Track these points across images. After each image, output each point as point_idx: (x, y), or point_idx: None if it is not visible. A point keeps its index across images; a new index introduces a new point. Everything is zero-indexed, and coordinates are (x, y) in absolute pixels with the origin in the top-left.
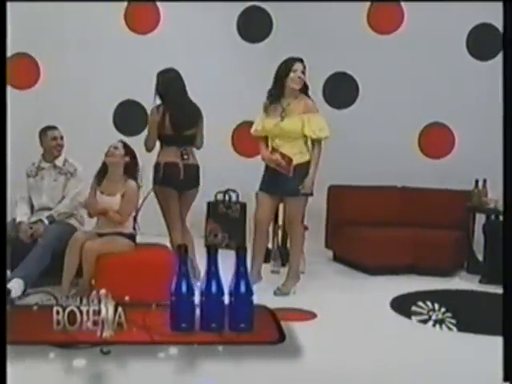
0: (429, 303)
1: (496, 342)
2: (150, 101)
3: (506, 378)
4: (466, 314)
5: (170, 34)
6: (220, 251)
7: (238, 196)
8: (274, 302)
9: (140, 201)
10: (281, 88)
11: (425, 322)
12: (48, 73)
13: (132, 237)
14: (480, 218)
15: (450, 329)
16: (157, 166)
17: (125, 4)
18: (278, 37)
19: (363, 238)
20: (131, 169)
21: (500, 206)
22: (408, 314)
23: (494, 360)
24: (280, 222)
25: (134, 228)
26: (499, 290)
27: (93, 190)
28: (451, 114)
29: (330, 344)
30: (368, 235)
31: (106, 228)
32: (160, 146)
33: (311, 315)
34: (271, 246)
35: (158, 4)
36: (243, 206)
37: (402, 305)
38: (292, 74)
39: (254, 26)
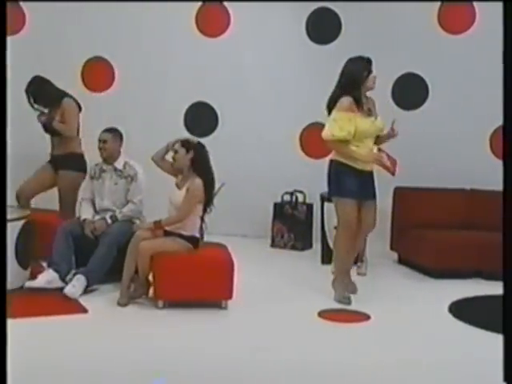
0: None
1: None
2: (219, 102)
3: (506, 378)
4: None
5: (240, 36)
6: (285, 251)
7: (304, 197)
8: (330, 304)
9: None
10: (359, 88)
11: None
12: (122, 75)
13: (192, 239)
14: None
15: None
16: None
17: (197, 6)
18: (347, 38)
19: (428, 241)
20: (198, 165)
21: None
22: (465, 318)
23: None
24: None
25: (201, 228)
26: None
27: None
28: None
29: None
30: (433, 238)
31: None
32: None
33: (365, 317)
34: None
35: (227, 5)
36: (309, 207)
37: (461, 309)
38: (371, 75)
39: (323, 27)
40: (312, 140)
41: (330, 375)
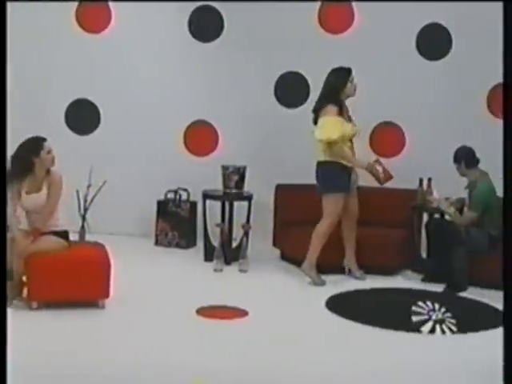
0: (429, 303)
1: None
2: (101, 99)
3: (506, 378)
4: (399, 313)
5: (122, 32)
6: (170, 250)
7: (188, 195)
8: (211, 300)
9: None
10: (340, 96)
11: (424, 322)
12: None
13: (65, 233)
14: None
15: (451, 330)
16: None
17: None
18: (229, 36)
19: (309, 237)
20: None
21: (444, 205)
22: (341, 312)
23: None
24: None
25: (83, 226)
26: (440, 289)
27: (16, 193)
28: (401, 113)
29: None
30: None
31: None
32: None
33: (243, 313)
34: (216, 244)
35: (110, 3)
36: (193, 205)
37: (337, 304)
38: (351, 84)
39: (206, 25)
40: (196, 138)
41: (206, 373)
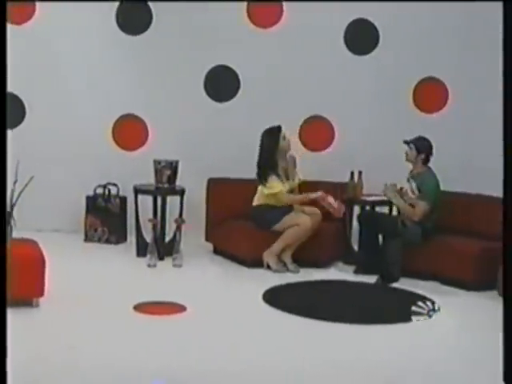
0: (429, 303)
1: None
2: (26, 92)
3: (505, 378)
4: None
5: (50, 23)
6: (100, 246)
7: (118, 190)
8: (147, 296)
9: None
10: (275, 157)
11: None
12: None
13: None
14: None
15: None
16: None
17: None
18: (158, 29)
19: (241, 231)
20: None
21: (374, 197)
22: (279, 305)
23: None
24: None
25: (10, 223)
26: (373, 280)
27: None
28: (330, 107)
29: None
30: (246, 228)
31: None
32: None
33: (181, 308)
34: (149, 239)
35: None
36: (123, 200)
37: (274, 296)
38: (284, 141)
39: (134, 18)
40: (124, 132)
41: (146, 370)
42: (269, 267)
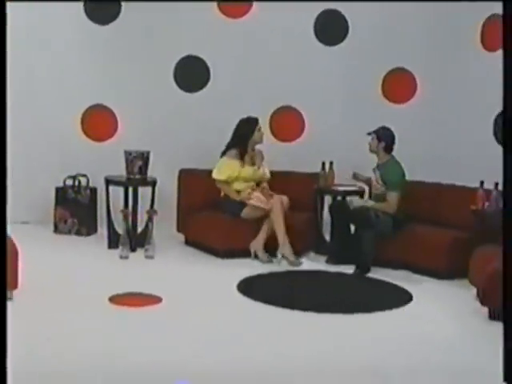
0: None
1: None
2: None
3: (505, 378)
4: (313, 294)
5: (13, 14)
6: (70, 237)
7: (88, 181)
8: (121, 288)
9: None
10: (246, 143)
11: None
12: None
13: None
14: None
15: None
16: None
17: None
18: (126, 20)
19: (213, 222)
20: None
21: (345, 187)
22: (254, 295)
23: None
24: (130, 208)
25: None
26: (345, 270)
27: None
28: (300, 97)
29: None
30: (218, 219)
31: None
32: None
33: (156, 300)
34: (121, 231)
35: None
36: (93, 191)
37: (248, 286)
38: (258, 132)
39: (103, 8)
40: (94, 122)
41: (123, 362)
42: (256, 257)
